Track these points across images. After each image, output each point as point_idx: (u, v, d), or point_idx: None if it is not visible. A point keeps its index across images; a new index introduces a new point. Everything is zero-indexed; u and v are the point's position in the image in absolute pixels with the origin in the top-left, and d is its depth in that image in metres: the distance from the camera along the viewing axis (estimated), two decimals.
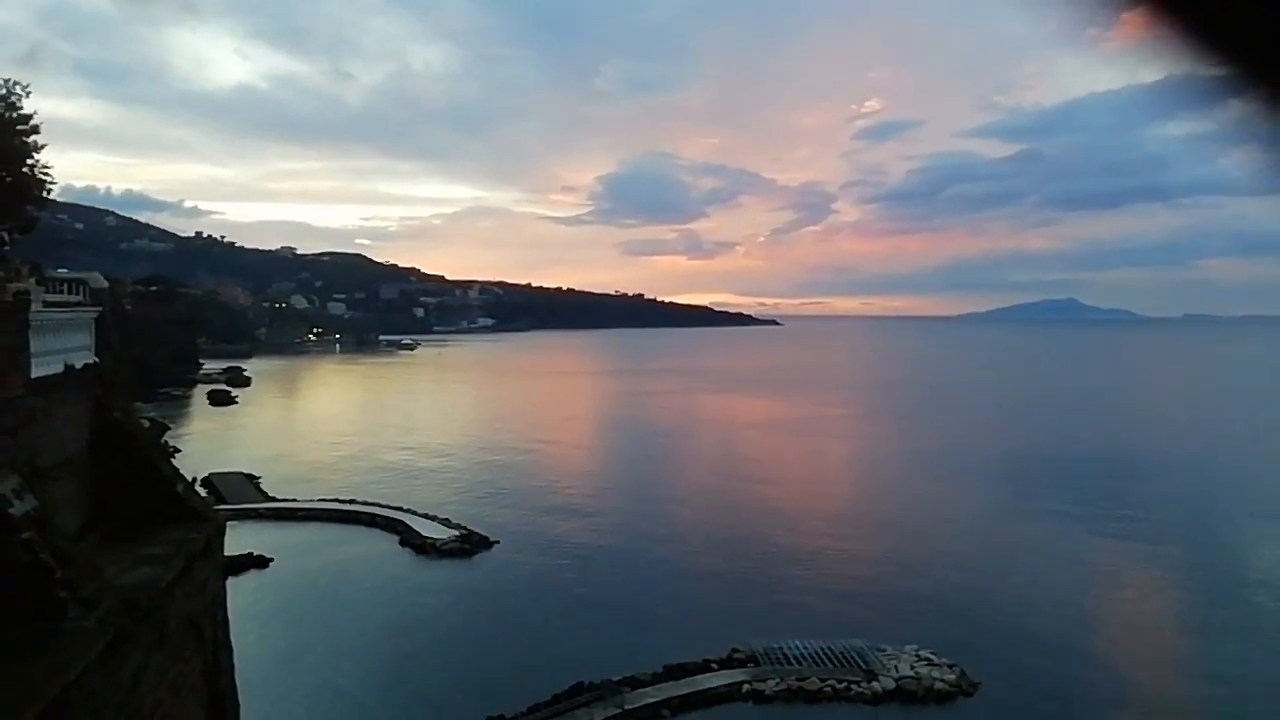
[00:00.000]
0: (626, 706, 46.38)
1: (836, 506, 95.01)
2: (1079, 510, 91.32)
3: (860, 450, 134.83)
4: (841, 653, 53.87)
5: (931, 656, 53.85)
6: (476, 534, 79.04)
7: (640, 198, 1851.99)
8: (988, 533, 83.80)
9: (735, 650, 54.49)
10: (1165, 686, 51.31)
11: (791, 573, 71.24)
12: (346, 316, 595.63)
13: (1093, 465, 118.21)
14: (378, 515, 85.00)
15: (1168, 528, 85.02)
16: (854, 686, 50.20)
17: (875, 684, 50.29)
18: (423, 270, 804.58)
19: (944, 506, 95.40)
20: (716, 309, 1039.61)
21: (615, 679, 49.34)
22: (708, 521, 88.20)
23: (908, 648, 55.26)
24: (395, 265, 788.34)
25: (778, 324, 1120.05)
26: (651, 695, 48.40)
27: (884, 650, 54.53)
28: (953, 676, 51.24)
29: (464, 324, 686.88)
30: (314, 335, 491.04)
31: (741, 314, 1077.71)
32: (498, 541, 78.07)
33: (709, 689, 49.71)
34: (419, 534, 78.57)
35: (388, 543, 78.71)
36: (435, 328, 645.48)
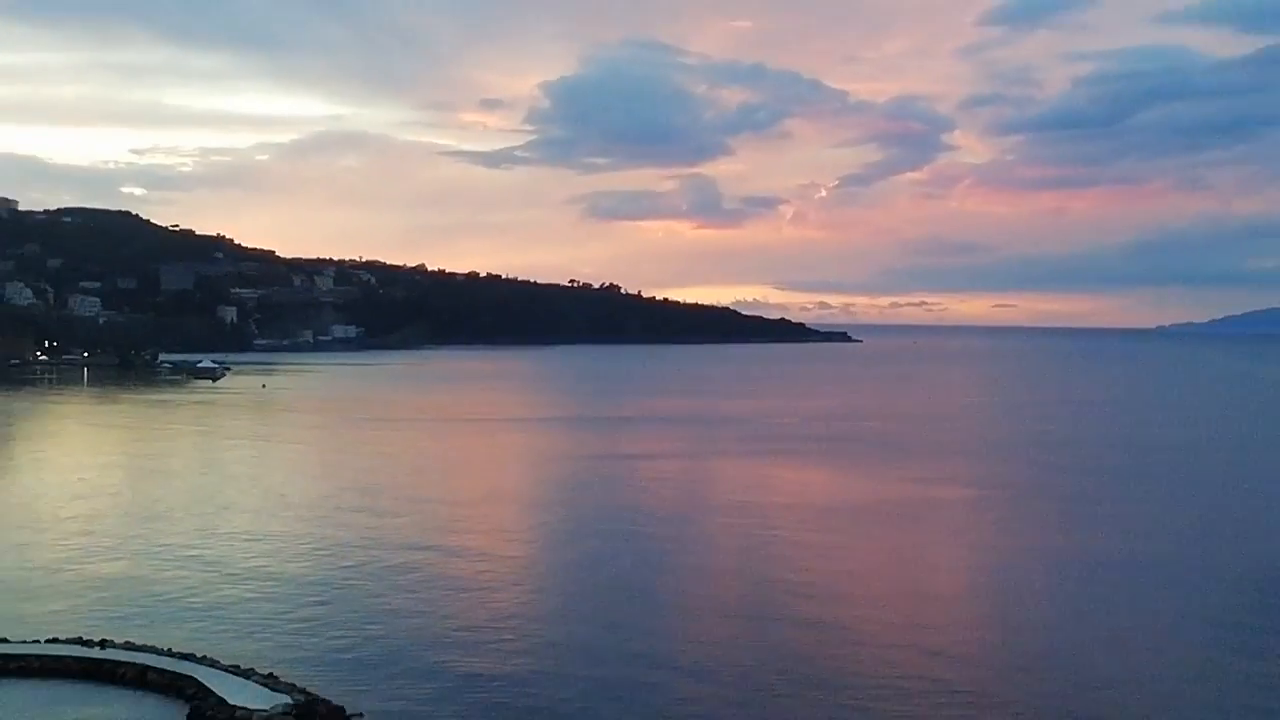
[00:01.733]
0: None
1: (946, 654, 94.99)
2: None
3: (983, 558, 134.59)
4: None
5: None
6: (322, 702, 77.05)
7: (615, 121, 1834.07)
8: (1209, 691, 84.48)
9: None
10: None
11: None
12: (103, 321, 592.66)
13: None
14: (153, 668, 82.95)
15: None
16: None
17: None
18: (238, 241, 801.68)
19: (1131, 648, 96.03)
20: (746, 313, 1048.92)
21: None
22: (726, 684, 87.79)
23: None
24: (190, 232, 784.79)
25: (850, 339, 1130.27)
26: None
27: None
28: None
29: (308, 336, 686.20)
30: (44, 356, 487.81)
31: (789, 322, 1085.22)
32: (357, 716, 76.63)
33: None
34: (223, 701, 75.98)
35: (169, 714, 76.21)
36: (259, 342, 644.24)
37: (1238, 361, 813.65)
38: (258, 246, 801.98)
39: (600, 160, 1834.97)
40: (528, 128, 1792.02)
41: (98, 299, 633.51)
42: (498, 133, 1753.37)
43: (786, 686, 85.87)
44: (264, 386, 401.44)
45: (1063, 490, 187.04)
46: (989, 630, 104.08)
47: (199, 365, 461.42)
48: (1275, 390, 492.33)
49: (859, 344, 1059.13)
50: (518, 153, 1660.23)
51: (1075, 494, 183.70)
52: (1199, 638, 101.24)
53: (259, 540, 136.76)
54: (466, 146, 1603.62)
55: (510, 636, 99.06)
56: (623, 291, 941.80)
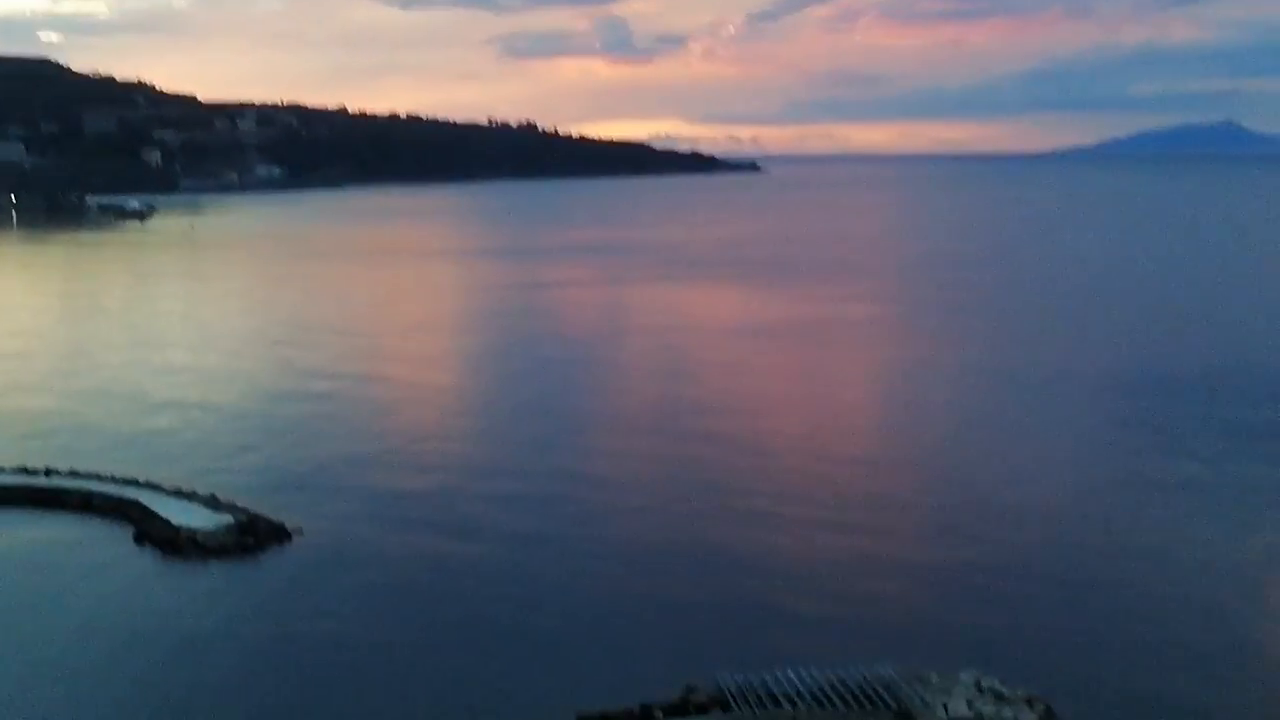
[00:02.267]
0: None
1: (848, 467, 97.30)
2: (1239, 476, 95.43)
3: (887, 378, 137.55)
4: (860, 687, 55.80)
5: (1000, 687, 56.28)
6: (263, 520, 79.54)
7: None
8: (1087, 506, 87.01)
9: (692, 690, 55.86)
10: None
11: (779, 569, 72.99)
12: (28, 165, 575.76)
13: (1269, 394, 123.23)
14: (97, 493, 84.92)
15: None
16: None
17: None
18: (159, 86, 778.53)
19: (1019, 464, 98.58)
20: (659, 147, 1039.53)
21: None
22: (646, 495, 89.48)
23: (963, 675, 57.53)
24: (111, 78, 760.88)
25: (758, 169, 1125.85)
26: None
27: (926, 680, 56.73)
28: (1033, 717, 53.74)
29: (233, 177, 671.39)
30: None
31: (700, 155, 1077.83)
32: (297, 532, 78.91)
33: None
34: (167, 522, 78.50)
35: (115, 537, 78.45)
36: (185, 183, 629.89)
37: (1120, 181, 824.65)
38: (179, 91, 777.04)
39: (515, 1, 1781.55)
40: None
41: (21, 144, 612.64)
42: None
43: (700, 495, 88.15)
44: (191, 227, 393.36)
45: (959, 306, 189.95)
46: (887, 437, 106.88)
47: (126, 207, 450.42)
48: (1153, 207, 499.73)
49: (767, 174, 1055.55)
50: None
51: (970, 309, 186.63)
52: (1081, 436, 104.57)
53: (194, 372, 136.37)
54: None
55: (436, 456, 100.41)
56: (540, 129, 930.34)
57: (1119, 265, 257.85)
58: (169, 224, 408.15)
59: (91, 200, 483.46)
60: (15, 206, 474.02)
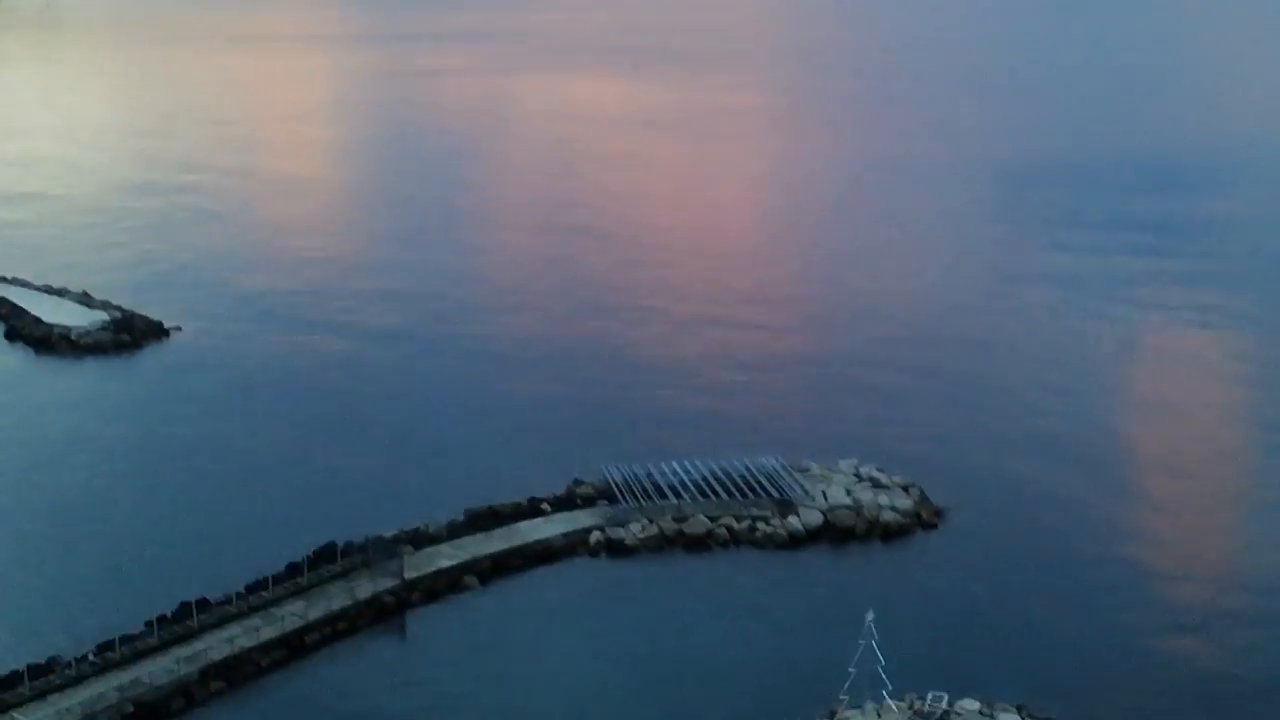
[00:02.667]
0: (408, 575, 48.20)
1: (729, 260, 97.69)
2: (1104, 258, 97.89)
3: (768, 170, 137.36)
4: (742, 477, 57.32)
5: (878, 475, 58.17)
6: (139, 317, 78.25)
7: None
8: (960, 298, 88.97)
9: (578, 483, 57.04)
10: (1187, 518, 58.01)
11: (662, 363, 73.72)
12: None
13: (1134, 185, 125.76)
14: None
15: (1233, 287, 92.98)
16: (761, 525, 53.69)
17: (793, 519, 54.01)
18: None
19: (897, 258, 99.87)
20: None
21: (389, 534, 50.81)
22: (526, 292, 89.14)
23: (843, 463, 59.36)
24: None
25: None
26: (447, 556, 50.38)
27: (806, 470, 58.36)
28: (909, 503, 55.72)
29: None
30: None
31: None
32: (177, 328, 77.83)
33: (538, 541, 52.11)
34: (38, 319, 77.10)
35: None
36: None
37: None
38: None
39: None
40: None
41: None
42: None
43: (580, 292, 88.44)
44: (47, 5, 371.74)
45: (848, 95, 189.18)
46: (766, 231, 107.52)
47: None
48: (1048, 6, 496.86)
49: None
50: None
51: (859, 99, 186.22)
52: (959, 229, 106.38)
53: (57, 164, 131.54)
54: None
55: (313, 251, 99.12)
56: None
57: (1013, 55, 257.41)
58: (21, 1, 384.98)
59: None
60: None
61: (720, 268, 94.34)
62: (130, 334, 75.74)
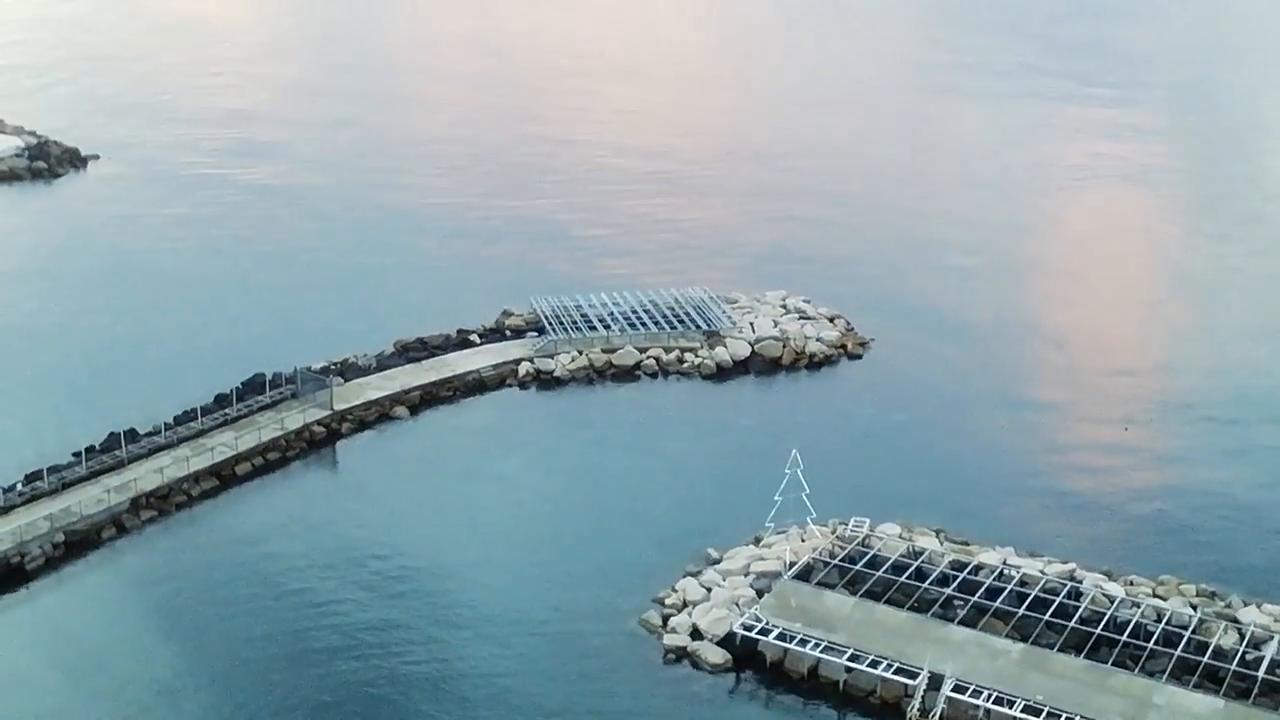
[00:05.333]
0: (337, 406, 48.39)
1: (659, 85, 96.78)
2: (1030, 86, 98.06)
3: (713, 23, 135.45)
4: (670, 309, 57.74)
5: (804, 306, 58.88)
6: (56, 144, 76.80)
7: None
8: (885, 124, 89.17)
9: (507, 313, 57.35)
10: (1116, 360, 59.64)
11: (591, 190, 73.45)
12: None
13: (1052, 13, 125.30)
14: None
15: (1153, 112, 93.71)
16: (688, 356, 54.21)
17: (721, 350, 54.65)
18: None
19: (819, 86, 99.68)
20: None
21: (318, 366, 50.86)
22: (468, 121, 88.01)
23: (770, 294, 59.87)
24: None
25: None
26: (376, 387, 50.65)
27: (733, 301, 58.84)
28: (834, 333, 56.52)
29: None
30: None
31: None
32: (95, 156, 76.75)
33: (468, 372, 52.51)
34: None
35: None
36: None
37: None
38: None
39: None
40: None
41: None
42: None
43: (503, 119, 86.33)
44: None
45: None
46: (702, 77, 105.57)
47: None
48: None
49: None
50: None
51: None
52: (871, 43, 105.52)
53: None
54: None
55: (237, 80, 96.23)
56: None
57: None
58: None
59: None
60: None
61: (654, 102, 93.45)
62: (46, 161, 74.03)
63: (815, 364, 54.67)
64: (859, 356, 55.68)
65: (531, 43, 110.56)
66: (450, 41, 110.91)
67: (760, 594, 41.89)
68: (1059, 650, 38.50)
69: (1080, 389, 53.33)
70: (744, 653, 39.37)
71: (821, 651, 39.10)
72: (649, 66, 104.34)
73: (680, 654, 39.31)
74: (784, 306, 59.04)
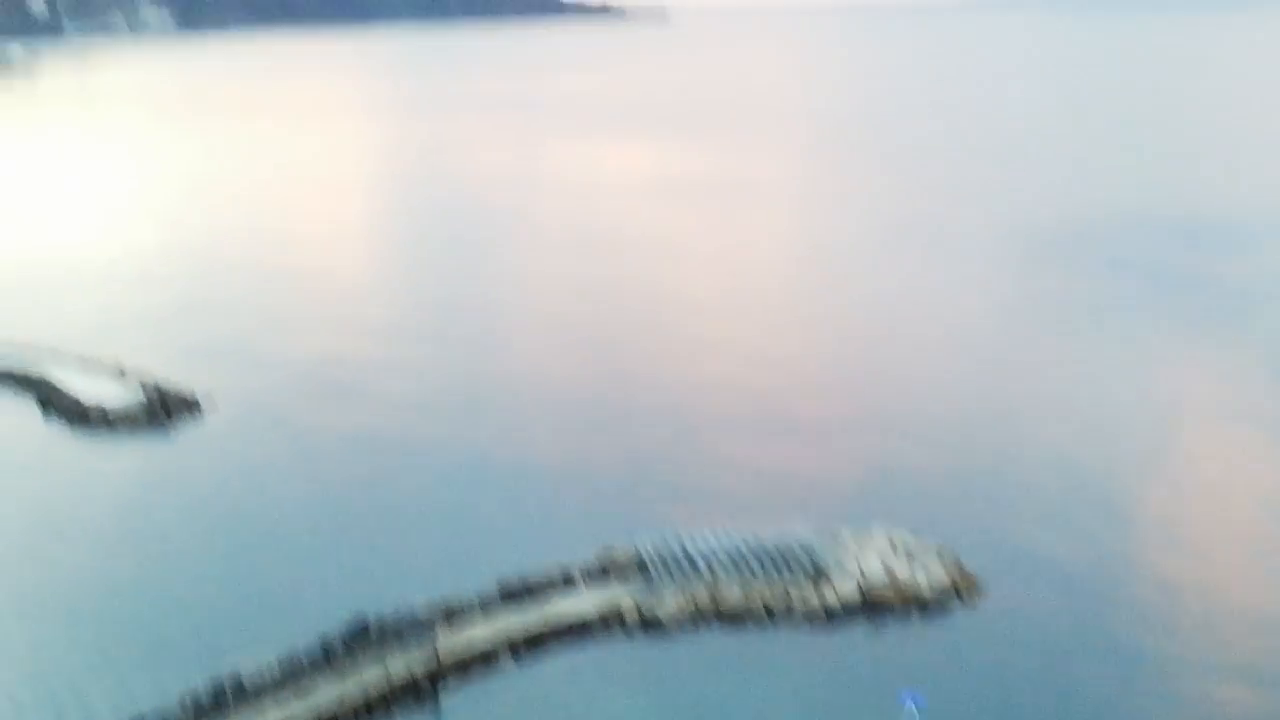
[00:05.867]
0: (441, 652, 48.29)
1: (760, 322, 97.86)
2: (1144, 322, 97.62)
3: (798, 230, 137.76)
4: (776, 547, 57.15)
5: (911, 541, 58.01)
6: (172, 391, 78.95)
7: None
8: (989, 356, 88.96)
9: (608, 550, 57.10)
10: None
11: (692, 428, 73.77)
12: None
13: (1169, 242, 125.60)
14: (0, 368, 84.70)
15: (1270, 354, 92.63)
16: (795, 598, 53.48)
17: (828, 590, 53.87)
18: None
19: (923, 318, 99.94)
20: None
21: (421, 607, 51.04)
22: (561, 358, 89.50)
23: (875, 529, 59.26)
24: None
25: (665, 18, 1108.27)
26: (481, 631, 50.43)
27: (839, 537, 58.19)
28: (942, 572, 55.49)
29: (122, 21, 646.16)
30: None
31: (609, 5, 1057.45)
32: (208, 402, 78.46)
33: (570, 616, 52.15)
34: (72, 394, 77.95)
35: (20, 409, 78.10)
36: (69, 27, 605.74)
37: (1026, 29, 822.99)
38: None
39: None
40: None
41: None
42: None
43: (608, 360, 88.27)
44: (84, 81, 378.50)
45: (873, 159, 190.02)
46: (790, 295, 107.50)
47: (8, 54, 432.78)
48: (1057, 55, 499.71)
49: (675, 24, 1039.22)
50: None
51: (875, 161, 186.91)
52: (975, 285, 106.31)
53: (98, 240, 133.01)
54: None
55: (343, 322, 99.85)
56: None
57: (1032, 114, 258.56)
58: (55, 72, 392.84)
59: None
60: None
61: (744, 334, 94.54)
62: (164, 408, 76.39)
63: (925, 605, 53.52)
64: (969, 596, 54.44)
65: (615, 282, 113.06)
66: (542, 281, 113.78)
67: None
68: None
69: (1220, 628, 51.47)
70: None
71: None
72: (739, 302, 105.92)
73: None
74: (890, 542, 58.30)
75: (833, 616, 53.13)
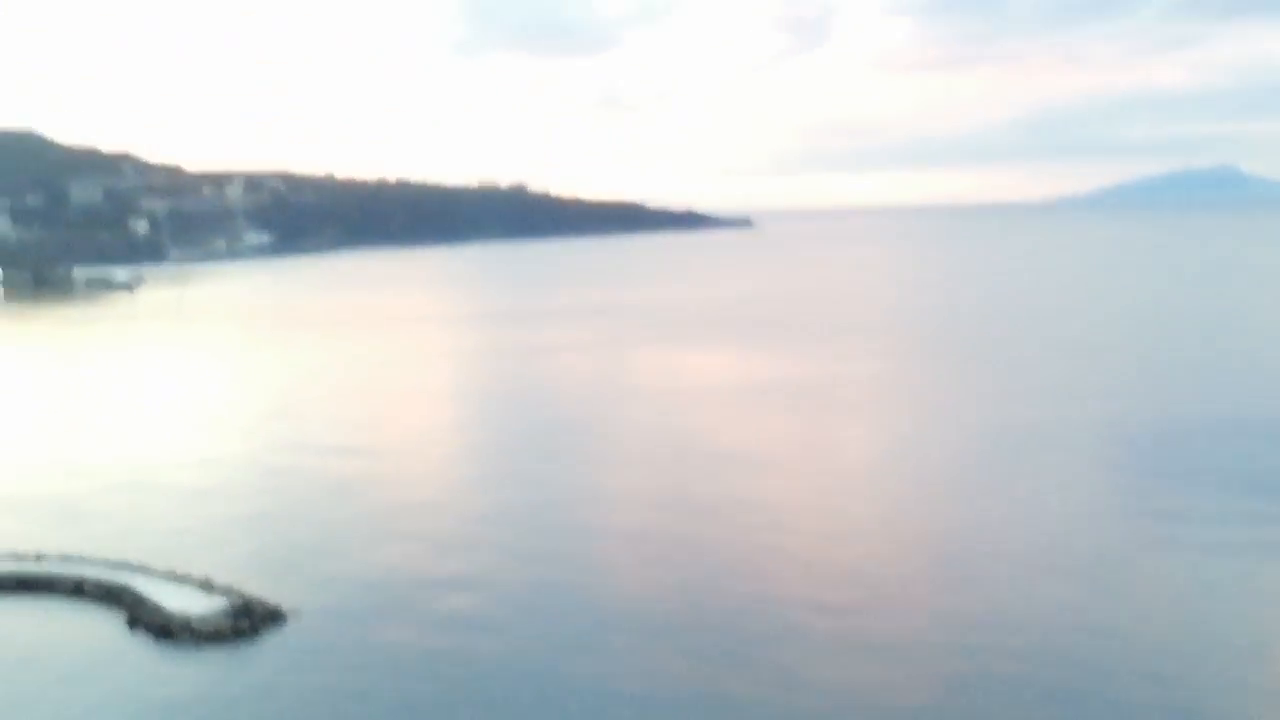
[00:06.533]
0: None
1: (850, 542, 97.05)
2: (1241, 537, 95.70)
3: (886, 442, 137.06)
4: None
5: None
6: (257, 602, 79.39)
7: (515, 15, 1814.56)
8: (1089, 573, 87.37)
9: None
10: None
11: (789, 659, 72.83)
12: (14, 238, 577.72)
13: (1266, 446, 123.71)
14: (89, 579, 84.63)
15: None
16: None
17: None
18: (142, 158, 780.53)
19: (1027, 529, 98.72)
20: (650, 204, 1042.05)
21: None
22: (637, 572, 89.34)
23: None
24: (96, 149, 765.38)
25: (751, 225, 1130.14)
26: None
27: None
28: None
29: (221, 244, 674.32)
30: None
31: (691, 211, 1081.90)
32: (293, 614, 78.77)
33: None
34: (159, 607, 78.46)
35: (106, 623, 78.40)
36: (173, 252, 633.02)
37: (1119, 229, 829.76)
38: (165, 160, 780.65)
39: (499, 55, 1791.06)
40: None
41: (6, 217, 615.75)
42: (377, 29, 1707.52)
43: (702, 577, 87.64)
44: (179, 298, 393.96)
45: (958, 361, 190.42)
46: (889, 507, 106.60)
47: (114, 278, 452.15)
48: (1152, 256, 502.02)
49: (760, 229, 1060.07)
50: (409, 45, 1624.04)
51: (969, 364, 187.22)
52: (1082, 496, 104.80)
53: (184, 449, 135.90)
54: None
55: (432, 532, 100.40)
56: (529, 189, 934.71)
57: (1118, 315, 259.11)
58: (157, 295, 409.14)
59: (79, 272, 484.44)
60: (1, 281, 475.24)
61: (841, 550, 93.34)
62: (249, 620, 76.99)
63: None
64: None
65: (694, 492, 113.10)
66: (620, 492, 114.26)
67: None
68: None
69: None
70: None
71: None
72: (823, 514, 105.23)
73: None
74: None
75: None
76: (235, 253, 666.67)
